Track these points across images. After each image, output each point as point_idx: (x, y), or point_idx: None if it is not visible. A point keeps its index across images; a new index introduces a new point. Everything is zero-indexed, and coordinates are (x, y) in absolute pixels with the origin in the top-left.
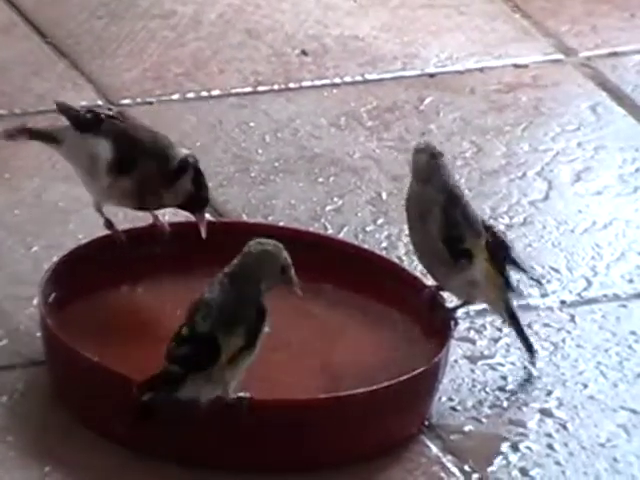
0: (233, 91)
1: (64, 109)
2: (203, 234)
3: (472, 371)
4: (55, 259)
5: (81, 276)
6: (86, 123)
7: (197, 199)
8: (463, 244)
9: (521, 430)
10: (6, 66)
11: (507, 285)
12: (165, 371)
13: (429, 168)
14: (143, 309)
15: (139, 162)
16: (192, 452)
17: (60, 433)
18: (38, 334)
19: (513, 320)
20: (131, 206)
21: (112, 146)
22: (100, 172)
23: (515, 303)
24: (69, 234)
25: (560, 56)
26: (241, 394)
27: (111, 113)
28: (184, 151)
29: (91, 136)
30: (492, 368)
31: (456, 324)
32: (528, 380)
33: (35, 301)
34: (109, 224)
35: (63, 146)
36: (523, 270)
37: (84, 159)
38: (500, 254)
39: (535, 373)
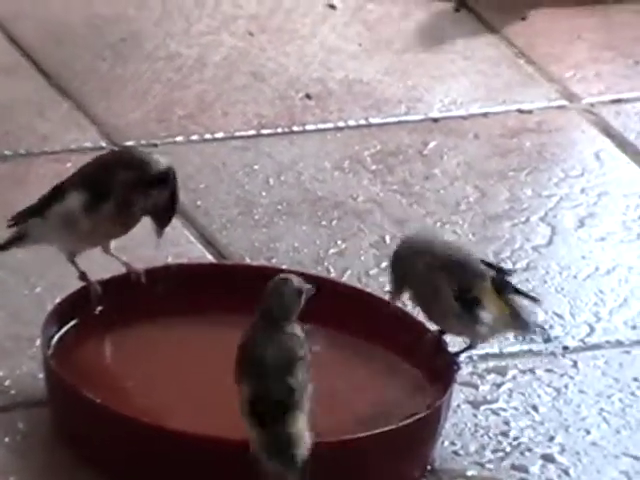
0: (237, 134)
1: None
2: (158, 245)
3: (475, 416)
4: (58, 299)
5: (84, 317)
6: (39, 207)
7: (169, 213)
8: (471, 293)
9: (523, 475)
10: (11, 106)
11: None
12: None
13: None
14: (146, 350)
15: (114, 182)
16: None
17: (63, 473)
18: (40, 375)
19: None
20: (116, 234)
21: (80, 193)
22: (78, 221)
23: (517, 349)
24: (72, 274)
25: (564, 102)
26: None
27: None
28: (163, 161)
29: (56, 205)
30: (495, 413)
31: (459, 369)
32: (530, 425)
33: (37, 341)
34: (83, 276)
35: (30, 236)
36: (530, 298)
37: (56, 227)
38: (506, 287)
39: (538, 418)
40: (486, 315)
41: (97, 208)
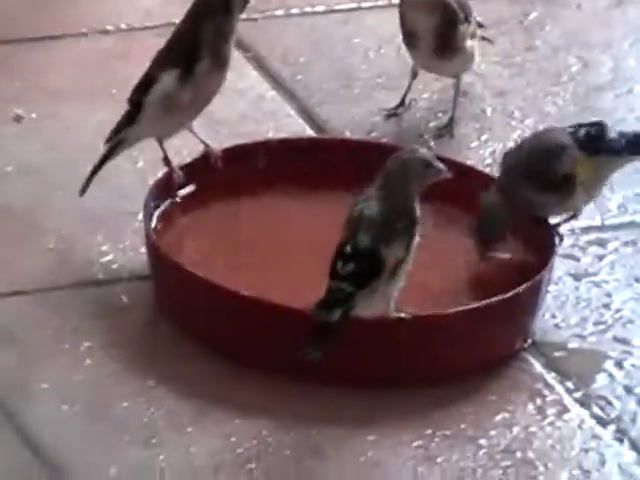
0: (337, 7)
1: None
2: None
3: (576, 288)
4: (160, 174)
5: (186, 191)
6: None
7: None
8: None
9: (626, 348)
10: None
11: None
12: (337, 289)
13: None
14: (246, 223)
15: (198, 35)
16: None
17: (165, 346)
18: (143, 249)
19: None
20: (224, 78)
21: (169, 77)
22: (180, 96)
23: (619, 220)
24: (174, 149)
25: None
26: (402, 314)
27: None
28: None
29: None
30: (596, 285)
31: (561, 240)
32: (633, 297)
33: (140, 216)
34: (167, 160)
35: (127, 140)
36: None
37: (157, 117)
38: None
39: None
40: (580, 189)
41: (193, 73)
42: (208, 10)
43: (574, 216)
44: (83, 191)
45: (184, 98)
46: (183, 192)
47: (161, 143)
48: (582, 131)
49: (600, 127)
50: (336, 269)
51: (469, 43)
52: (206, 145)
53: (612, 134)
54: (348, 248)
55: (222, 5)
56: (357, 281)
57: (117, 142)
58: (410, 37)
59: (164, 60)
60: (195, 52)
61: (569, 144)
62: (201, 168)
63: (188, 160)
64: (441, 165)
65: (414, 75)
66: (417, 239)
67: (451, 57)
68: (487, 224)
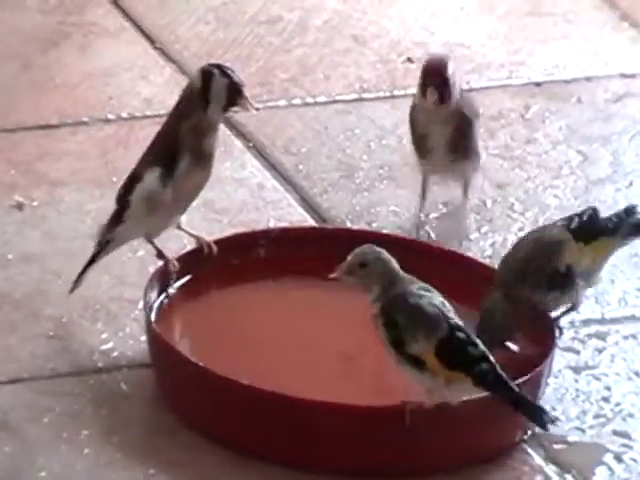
0: (338, 97)
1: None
2: (254, 109)
3: (576, 381)
4: (160, 263)
5: (187, 281)
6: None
7: (236, 86)
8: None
9: (625, 441)
10: (114, 70)
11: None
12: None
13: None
14: (246, 312)
15: (179, 137)
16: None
17: (165, 435)
18: (143, 337)
19: None
20: (207, 174)
21: (151, 176)
22: (162, 196)
23: (619, 314)
24: (175, 239)
25: None
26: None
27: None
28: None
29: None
30: (596, 378)
31: (561, 333)
32: (633, 391)
33: (140, 304)
34: (161, 254)
35: (115, 240)
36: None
37: (142, 216)
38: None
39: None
40: (580, 275)
41: (173, 173)
42: (188, 107)
43: (573, 307)
44: (72, 290)
45: (166, 198)
46: (184, 281)
47: (150, 241)
48: (575, 221)
49: (592, 212)
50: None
51: (480, 143)
52: (196, 237)
53: (605, 217)
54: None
55: (200, 100)
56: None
57: (106, 242)
58: (422, 143)
59: (148, 159)
60: (175, 151)
61: (565, 238)
62: (201, 257)
63: (189, 248)
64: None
65: (424, 193)
66: None
67: (464, 159)
68: (489, 331)
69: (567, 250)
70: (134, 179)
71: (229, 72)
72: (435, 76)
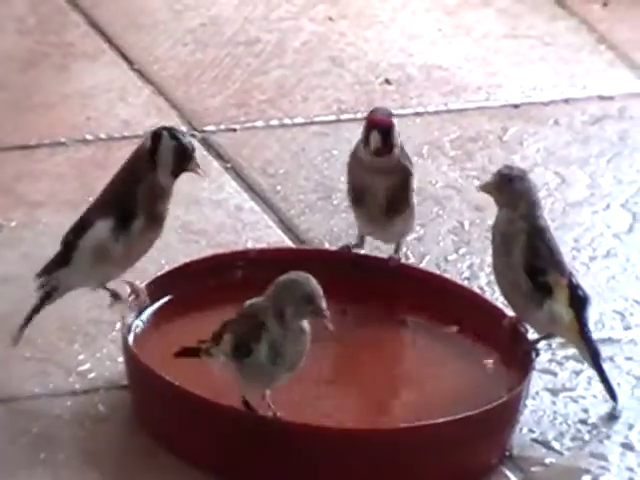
0: (316, 119)
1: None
2: (204, 175)
3: (553, 403)
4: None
5: (163, 302)
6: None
7: (185, 150)
8: (545, 277)
9: (602, 463)
10: (92, 91)
11: (586, 336)
12: None
13: (516, 192)
14: None
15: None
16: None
17: (142, 456)
18: (120, 359)
19: (596, 365)
20: (158, 234)
21: (104, 226)
22: (112, 249)
23: (596, 336)
24: (152, 261)
25: None
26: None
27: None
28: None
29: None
30: (574, 400)
31: (537, 355)
32: (610, 413)
33: (118, 325)
34: (116, 295)
35: (61, 287)
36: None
37: (89, 265)
38: (580, 303)
39: (617, 407)
40: (553, 309)
41: (127, 230)
42: (140, 167)
43: (551, 335)
44: (17, 340)
45: (116, 251)
46: (161, 303)
47: (102, 287)
48: (575, 282)
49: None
50: None
51: (415, 200)
52: (130, 284)
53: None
54: None
55: (149, 161)
56: None
57: (50, 289)
58: (359, 195)
59: (101, 206)
60: (130, 209)
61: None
62: (179, 278)
63: (167, 269)
64: (324, 311)
65: (361, 242)
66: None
67: (400, 214)
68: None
69: (561, 279)
70: (84, 224)
71: (179, 135)
72: (380, 124)
